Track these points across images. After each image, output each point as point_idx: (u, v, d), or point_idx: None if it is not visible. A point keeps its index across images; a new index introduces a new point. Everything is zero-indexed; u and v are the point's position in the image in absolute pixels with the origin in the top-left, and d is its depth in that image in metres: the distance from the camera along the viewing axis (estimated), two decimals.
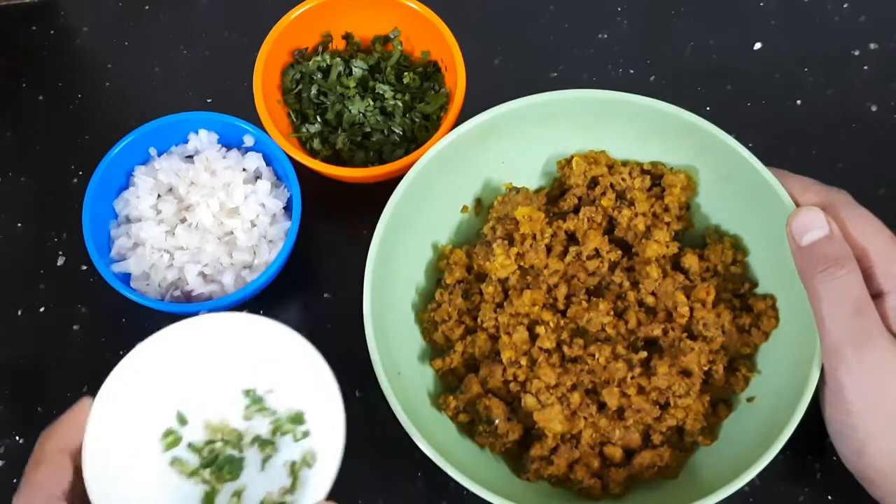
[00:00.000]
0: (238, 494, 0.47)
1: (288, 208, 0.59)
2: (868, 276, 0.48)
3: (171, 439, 0.48)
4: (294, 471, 0.47)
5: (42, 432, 0.44)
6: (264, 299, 0.59)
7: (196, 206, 0.58)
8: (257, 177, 0.60)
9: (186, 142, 0.61)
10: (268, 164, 0.60)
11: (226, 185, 0.59)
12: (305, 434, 0.48)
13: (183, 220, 0.58)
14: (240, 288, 0.56)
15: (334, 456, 0.44)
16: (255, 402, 0.49)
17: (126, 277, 0.58)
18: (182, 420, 0.48)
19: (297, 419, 0.48)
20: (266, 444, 0.48)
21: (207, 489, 0.47)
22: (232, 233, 0.58)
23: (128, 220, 0.59)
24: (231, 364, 0.48)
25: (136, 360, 0.46)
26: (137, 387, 0.46)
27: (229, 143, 0.61)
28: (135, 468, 0.46)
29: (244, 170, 0.60)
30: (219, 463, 0.47)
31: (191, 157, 0.61)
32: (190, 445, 0.48)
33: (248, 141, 0.60)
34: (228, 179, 0.59)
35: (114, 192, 0.59)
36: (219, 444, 0.48)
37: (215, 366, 0.48)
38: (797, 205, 0.50)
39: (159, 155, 0.60)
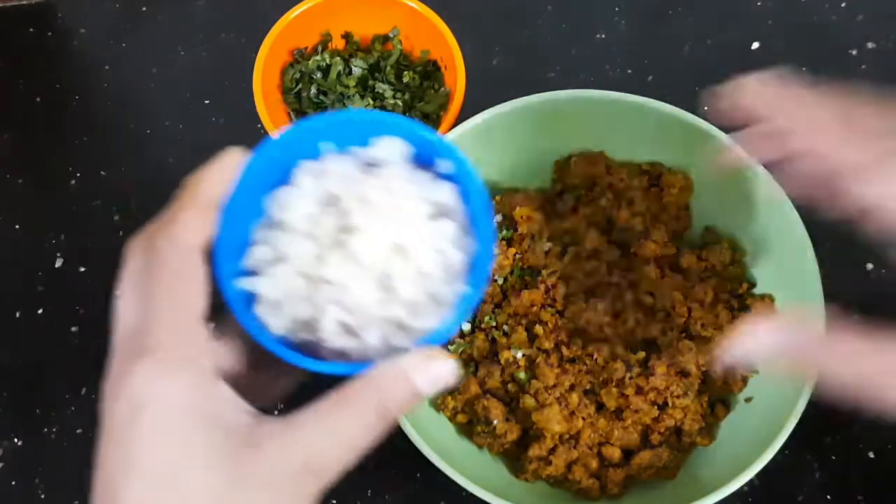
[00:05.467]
0: None
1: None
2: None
3: None
4: None
5: (187, 178, 0.35)
6: None
7: (359, 231, 0.39)
8: (443, 214, 0.40)
9: (366, 145, 0.41)
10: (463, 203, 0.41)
11: (402, 215, 0.39)
12: None
13: (339, 245, 0.39)
14: (382, 355, 0.38)
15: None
16: None
17: (249, 298, 0.38)
18: None
19: None
20: None
21: None
22: (394, 278, 0.39)
23: (275, 226, 0.40)
24: None
25: None
26: None
27: (417, 162, 0.41)
28: None
29: (431, 202, 0.40)
30: None
31: (369, 166, 0.41)
32: None
33: (443, 167, 0.40)
34: (408, 209, 0.40)
35: (263, 187, 0.40)
36: None
37: None
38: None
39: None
